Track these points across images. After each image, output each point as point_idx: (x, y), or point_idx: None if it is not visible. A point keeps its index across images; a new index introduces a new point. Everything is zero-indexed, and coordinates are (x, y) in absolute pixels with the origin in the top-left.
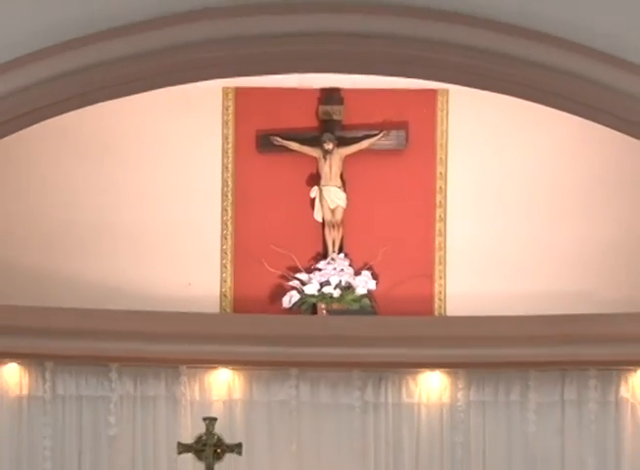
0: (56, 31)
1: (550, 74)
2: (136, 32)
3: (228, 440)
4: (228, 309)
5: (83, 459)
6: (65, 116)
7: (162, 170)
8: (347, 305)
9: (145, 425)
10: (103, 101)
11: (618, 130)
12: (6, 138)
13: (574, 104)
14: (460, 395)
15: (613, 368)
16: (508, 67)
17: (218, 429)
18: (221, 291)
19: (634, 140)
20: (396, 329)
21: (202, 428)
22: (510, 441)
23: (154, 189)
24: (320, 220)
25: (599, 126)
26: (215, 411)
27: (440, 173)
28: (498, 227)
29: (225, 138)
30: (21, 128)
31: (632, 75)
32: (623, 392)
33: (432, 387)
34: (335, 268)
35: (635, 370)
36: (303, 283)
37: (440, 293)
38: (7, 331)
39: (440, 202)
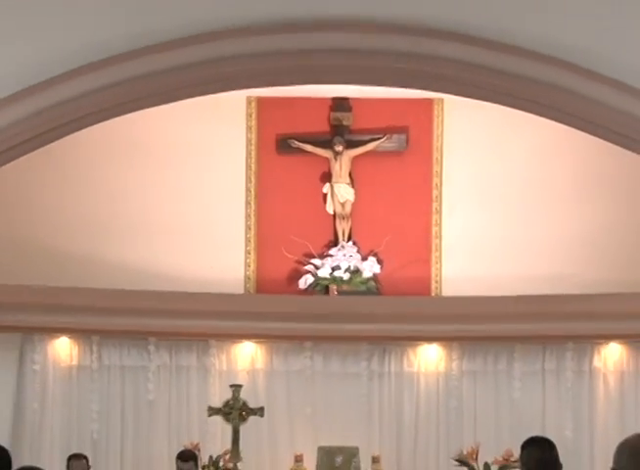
0: (105, 47)
1: (529, 85)
2: (174, 48)
3: (252, 404)
4: (251, 290)
5: (125, 421)
6: (112, 123)
7: (194, 170)
8: (355, 286)
9: (179, 391)
10: (147, 108)
11: (582, 131)
12: (64, 143)
13: (549, 110)
14: (454, 365)
15: (587, 342)
16: (494, 79)
17: (243, 395)
18: (245, 274)
19: (612, 144)
20: (398, 307)
21: (229, 394)
22: (498, 405)
23: (187, 186)
24: (331, 213)
25: (582, 132)
26: (240, 379)
27: (436, 172)
28: (488, 218)
29: (249, 141)
30: (80, 129)
31: (598, 84)
32: (596, 362)
33: (429, 358)
34: (344, 254)
35: (607, 343)
36: (317, 267)
37: (437, 276)
38: (58, 309)
39: (436, 196)
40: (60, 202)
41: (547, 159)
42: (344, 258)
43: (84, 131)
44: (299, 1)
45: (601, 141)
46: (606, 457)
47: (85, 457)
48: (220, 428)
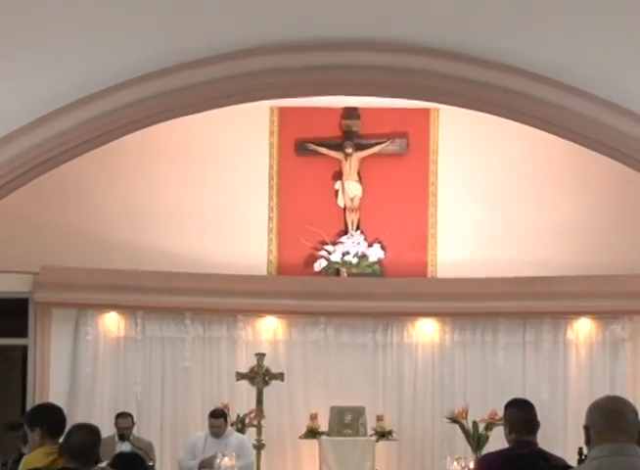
0: (150, 63)
1: (512, 97)
2: (207, 64)
3: (273, 370)
4: (273, 272)
5: (165, 385)
6: (154, 128)
7: (225, 168)
8: (362, 269)
9: (211, 359)
10: (187, 115)
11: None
12: (113, 146)
13: (527, 118)
14: (447, 337)
15: (561, 317)
16: (482, 92)
17: (266, 362)
18: (268, 258)
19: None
20: (399, 287)
21: (253, 361)
22: (484, 371)
23: (218, 182)
24: (342, 206)
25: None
26: (264, 349)
27: (432, 171)
28: (476, 211)
29: (271, 145)
30: (126, 134)
31: (572, 95)
32: (569, 335)
33: (425, 331)
34: (353, 242)
35: (578, 319)
36: (329, 253)
37: (432, 260)
38: (108, 288)
39: (432, 192)
40: (109, 197)
41: (526, 162)
42: (353, 245)
43: (130, 136)
44: (315, 24)
45: (568, 145)
46: (577, 416)
47: (130, 415)
48: (246, 390)
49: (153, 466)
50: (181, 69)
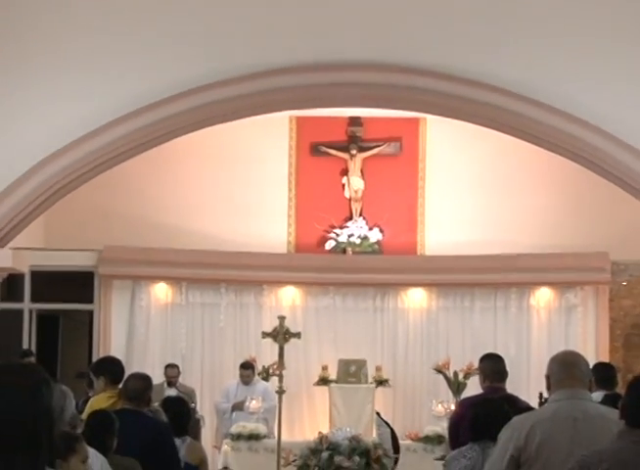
0: (192, 81)
1: (487, 109)
2: (238, 83)
3: (292, 330)
4: (292, 251)
5: (204, 342)
6: (195, 133)
7: (252, 166)
8: (364, 248)
9: (241, 321)
10: (223, 123)
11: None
12: (164, 149)
13: (498, 125)
14: (433, 303)
15: (525, 287)
16: (460, 104)
17: (286, 323)
18: (287, 239)
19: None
20: (394, 263)
21: (276, 323)
22: (463, 331)
23: (246, 177)
24: (348, 197)
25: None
26: (284, 312)
27: (421, 168)
28: (458, 200)
29: (290, 146)
30: (176, 137)
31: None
32: (532, 302)
33: (416, 298)
34: (357, 226)
35: (539, 288)
36: (337, 235)
37: (421, 241)
38: (159, 263)
39: (421, 185)
40: (161, 189)
41: (497, 160)
42: (357, 229)
43: (177, 139)
44: (325, 50)
45: (531, 147)
46: (539, 368)
47: (177, 366)
48: (270, 347)
49: (194, 408)
50: (217, 85)
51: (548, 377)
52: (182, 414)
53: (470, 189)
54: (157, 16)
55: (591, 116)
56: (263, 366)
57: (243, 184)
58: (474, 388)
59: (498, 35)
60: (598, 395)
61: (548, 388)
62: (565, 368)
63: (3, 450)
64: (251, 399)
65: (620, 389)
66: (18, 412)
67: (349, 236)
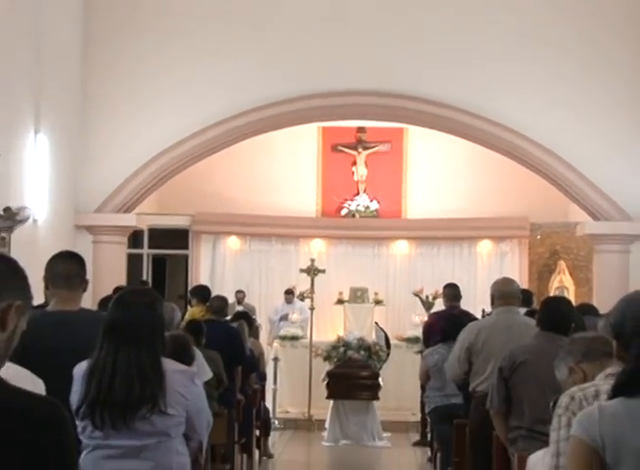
0: (250, 103)
1: (449, 122)
2: (283, 103)
3: (319, 267)
4: (319, 215)
5: (261, 276)
6: (254, 138)
7: (293, 160)
8: (367, 214)
9: (285, 262)
10: (274, 131)
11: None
12: (240, 145)
13: (459, 133)
14: (413, 251)
15: (473, 240)
16: (432, 119)
17: (315, 263)
18: (316, 208)
19: (511, 147)
20: (387, 223)
21: (309, 263)
22: (433, 269)
23: (289, 169)
24: (356, 180)
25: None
26: (314, 256)
27: (405, 161)
28: (430, 182)
29: (318, 146)
30: (246, 139)
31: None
32: (478, 249)
33: (402, 247)
34: (362, 199)
35: (482, 240)
36: (349, 205)
37: (405, 209)
38: (231, 223)
39: (404, 172)
40: (235, 174)
41: (457, 154)
42: (362, 201)
43: (248, 140)
44: (339, 80)
45: (478, 147)
46: (482, 293)
47: (243, 291)
48: (304, 279)
49: (255, 319)
50: (269, 106)
51: (492, 296)
52: (248, 322)
53: (438, 174)
54: (227, 53)
55: (516, 125)
56: (300, 292)
57: (287, 172)
58: (439, 305)
59: (458, 70)
60: (522, 310)
61: (492, 304)
62: (503, 290)
63: (133, 344)
64: (292, 313)
65: (535, 306)
66: (141, 320)
67: (357, 206)
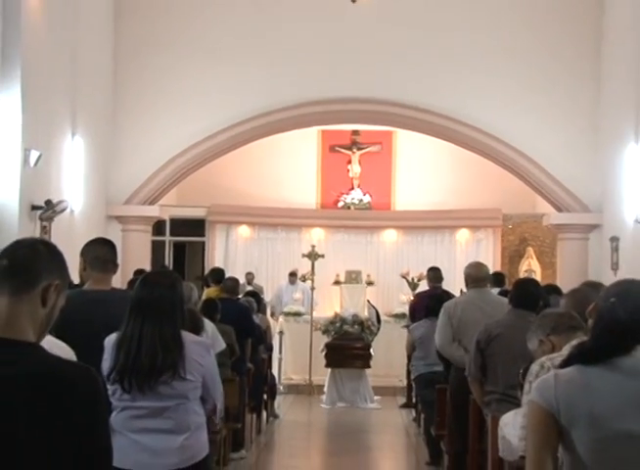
0: (257, 109)
1: (432, 126)
2: (289, 109)
3: (319, 252)
4: (318, 207)
5: (268, 260)
6: (261, 140)
7: (296, 160)
8: (360, 206)
9: (289, 248)
10: (280, 133)
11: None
12: (250, 146)
13: (441, 136)
14: (401, 239)
15: (454, 229)
16: (418, 123)
17: (316, 249)
18: (316, 200)
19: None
20: (378, 215)
21: (310, 249)
22: (417, 255)
23: (292, 167)
24: (351, 176)
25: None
26: (314, 243)
27: (393, 160)
28: (415, 178)
29: (317, 147)
30: (247, 143)
31: (469, 130)
32: (457, 237)
33: (391, 235)
34: (356, 193)
35: (461, 229)
36: (345, 199)
37: (393, 202)
38: (242, 214)
39: (394, 169)
40: (245, 172)
41: (438, 154)
42: (356, 195)
43: (255, 142)
44: (338, 88)
45: (457, 147)
46: (460, 276)
47: (252, 273)
48: (306, 262)
49: (263, 298)
50: (275, 112)
51: (466, 279)
52: (257, 300)
53: (423, 171)
54: (237, 67)
55: (490, 128)
56: (302, 274)
57: (290, 169)
58: (423, 286)
59: (440, 81)
60: (495, 290)
61: (466, 285)
62: (474, 274)
63: (157, 319)
64: (295, 292)
65: (507, 287)
66: (163, 297)
67: (352, 199)
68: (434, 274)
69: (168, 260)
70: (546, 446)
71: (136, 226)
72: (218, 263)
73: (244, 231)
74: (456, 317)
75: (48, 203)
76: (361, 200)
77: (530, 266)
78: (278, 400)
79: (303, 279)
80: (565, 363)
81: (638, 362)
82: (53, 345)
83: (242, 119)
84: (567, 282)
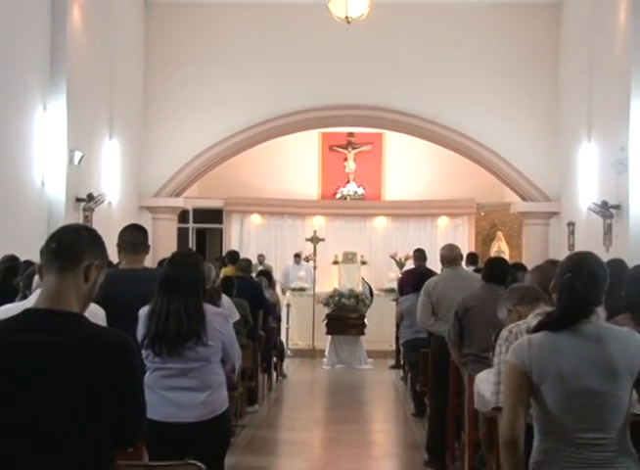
0: (268, 114)
1: (419, 130)
2: (294, 114)
3: (320, 237)
4: (319, 198)
5: (277, 244)
6: (270, 142)
7: (299, 158)
8: (355, 197)
9: (294, 233)
10: (285, 135)
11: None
12: (261, 146)
13: (427, 138)
14: (390, 225)
15: (435, 216)
16: (407, 127)
17: (317, 234)
18: (317, 192)
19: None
20: (370, 204)
21: (311, 233)
22: (405, 239)
23: (297, 163)
24: (347, 172)
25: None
26: (316, 229)
27: (383, 158)
28: (402, 173)
29: (319, 147)
30: (258, 144)
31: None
32: (439, 223)
33: (381, 223)
34: (351, 186)
35: (441, 216)
36: (342, 191)
37: (384, 193)
38: (255, 204)
39: (384, 166)
40: (257, 168)
41: (422, 153)
42: (351, 187)
43: (264, 143)
44: (336, 95)
45: (441, 148)
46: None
47: (263, 255)
48: (309, 246)
49: (272, 276)
50: (282, 116)
51: (441, 259)
52: (267, 278)
53: (408, 167)
54: (251, 78)
55: (466, 130)
56: (306, 256)
57: (295, 166)
58: (409, 265)
59: (423, 89)
60: (470, 268)
61: (442, 264)
62: (447, 255)
63: (182, 293)
64: (300, 271)
65: (480, 265)
66: (187, 275)
67: (348, 191)
68: (419, 254)
69: (192, 244)
70: (520, 399)
71: (164, 215)
72: (234, 247)
73: (256, 219)
74: (435, 294)
75: (90, 196)
76: (356, 192)
77: (500, 248)
78: (286, 363)
79: (307, 260)
80: (536, 330)
81: (598, 329)
82: (96, 315)
83: (254, 123)
84: (531, 261)
